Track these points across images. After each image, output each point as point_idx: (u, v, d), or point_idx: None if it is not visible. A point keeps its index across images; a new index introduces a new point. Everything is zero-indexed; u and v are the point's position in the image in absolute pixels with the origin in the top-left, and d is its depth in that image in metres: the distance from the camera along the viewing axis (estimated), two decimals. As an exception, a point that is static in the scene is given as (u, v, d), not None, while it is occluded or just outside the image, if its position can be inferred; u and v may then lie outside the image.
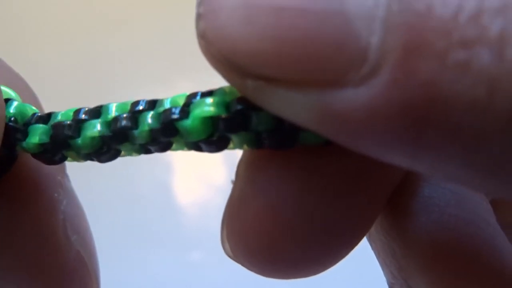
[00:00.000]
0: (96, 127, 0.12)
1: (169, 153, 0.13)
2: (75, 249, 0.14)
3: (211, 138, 0.11)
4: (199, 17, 0.10)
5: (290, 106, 0.09)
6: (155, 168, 0.51)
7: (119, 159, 0.14)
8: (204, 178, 0.52)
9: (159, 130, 0.11)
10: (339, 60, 0.08)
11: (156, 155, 0.13)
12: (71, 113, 0.12)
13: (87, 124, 0.12)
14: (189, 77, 0.57)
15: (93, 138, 0.12)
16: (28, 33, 0.59)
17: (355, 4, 0.08)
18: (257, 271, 0.12)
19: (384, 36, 0.08)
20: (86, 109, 0.12)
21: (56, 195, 0.14)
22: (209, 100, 0.11)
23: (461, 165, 0.08)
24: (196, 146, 0.11)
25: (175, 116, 0.11)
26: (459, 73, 0.08)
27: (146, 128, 0.11)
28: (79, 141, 0.12)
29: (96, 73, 0.57)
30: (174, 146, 0.12)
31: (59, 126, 0.12)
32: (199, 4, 0.10)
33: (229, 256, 0.13)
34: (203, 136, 0.11)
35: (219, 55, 0.10)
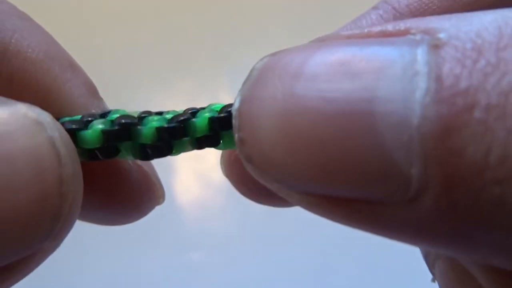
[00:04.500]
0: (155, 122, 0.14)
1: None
2: (136, 165, 0.17)
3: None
4: (242, 142, 0.11)
5: (340, 216, 0.10)
6: (155, 168, 0.51)
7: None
8: (204, 178, 0.52)
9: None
10: (385, 186, 0.09)
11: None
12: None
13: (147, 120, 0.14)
14: (189, 77, 0.58)
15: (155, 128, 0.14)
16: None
17: (391, 137, 0.09)
18: (238, 191, 0.16)
19: (423, 169, 0.09)
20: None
21: None
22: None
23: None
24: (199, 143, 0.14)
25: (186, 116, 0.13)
26: (495, 206, 0.09)
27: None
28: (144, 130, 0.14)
29: (95, 73, 0.57)
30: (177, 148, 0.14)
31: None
32: (238, 129, 0.11)
33: (224, 175, 0.16)
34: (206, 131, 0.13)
35: (267, 177, 0.11)
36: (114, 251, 0.48)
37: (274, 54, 0.11)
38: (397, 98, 0.09)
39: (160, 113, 0.14)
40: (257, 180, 0.12)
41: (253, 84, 0.11)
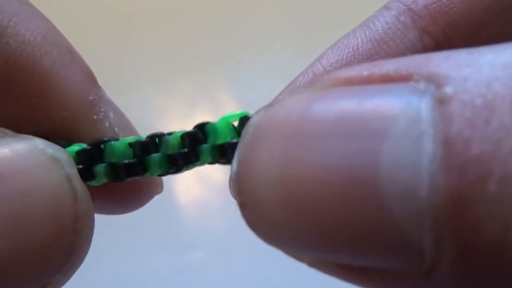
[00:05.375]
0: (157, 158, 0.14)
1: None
2: None
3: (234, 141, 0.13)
4: (243, 206, 0.10)
5: (350, 281, 0.10)
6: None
7: None
8: (204, 178, 0.52)
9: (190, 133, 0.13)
10: (394, 257, 0.09)
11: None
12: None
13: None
14: (189, 78, 0.58)
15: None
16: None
17: (398, 207, 0.08)
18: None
19: (436, 243, 0.08)
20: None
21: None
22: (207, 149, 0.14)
23: None
24: (222, 151, 0.13)
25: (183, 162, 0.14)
26: None
27: (178, 134, 0.14)
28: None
29: (94, 73, 0.57)
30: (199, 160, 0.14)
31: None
32: (238, 193, 0.10)
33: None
34: (228, 138, 0.13)
35: (271, 242, 0.10)
36: (113, 250, 0.48)
37: (269, 107, 0.10)
38: (403, 163, 0.08)
39: (157, 138, 0.14)
40: None
41: (249, 145, 0.10)
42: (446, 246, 0.08)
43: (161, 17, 0.62)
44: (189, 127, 0.14)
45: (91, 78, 0.17)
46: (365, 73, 0.10)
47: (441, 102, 0.08)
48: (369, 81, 0.09)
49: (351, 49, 0.15)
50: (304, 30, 0.60)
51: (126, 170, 0.14)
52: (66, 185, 0.12)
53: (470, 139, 0.08)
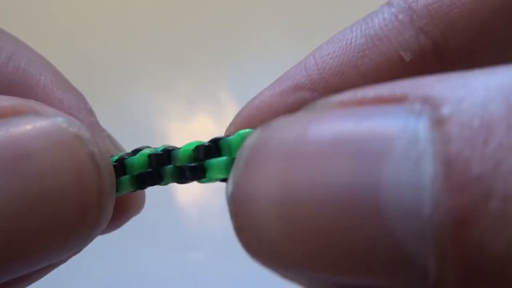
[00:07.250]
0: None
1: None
2: None
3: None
4: (239, 229, 0.10)
5: None
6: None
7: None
8: (204, 178, 0.52)
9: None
10: (399, 276, 0.09)
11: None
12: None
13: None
14: (189, 77, 0.58)
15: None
16: (24, 31, 0.59)
17: (402, 227, 0.08)
18: None
19: (440, 262, 0.08)
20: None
21: None
22: (221, 163, 0.13)
23: None
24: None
25: (191, 176, 0.14)
26: None
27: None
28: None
29: (95, 72, 0.57)
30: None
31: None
32: (234, 215, 0.10)
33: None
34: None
35: (269, 265, 0.10)
36: (113, 250, 0.48)
37: (264, 129, 0.10)
38: (404, 183, 0.08)
39: (167, 152, 0.14)
40: None
41: (245, 167, 0.10)
42: (450, 264, 0.08)
43: (161, 17, 0.62)
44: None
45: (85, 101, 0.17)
46: (359, 95, 0.10)
47: (438, 122, 0.08)
48: (363, 102, 0.09)
49: (344, 43, 0.15)
50: (304, 30, 0.60)
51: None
52: (90, 162, 0.12)
53: (470, 159, 0.08)
